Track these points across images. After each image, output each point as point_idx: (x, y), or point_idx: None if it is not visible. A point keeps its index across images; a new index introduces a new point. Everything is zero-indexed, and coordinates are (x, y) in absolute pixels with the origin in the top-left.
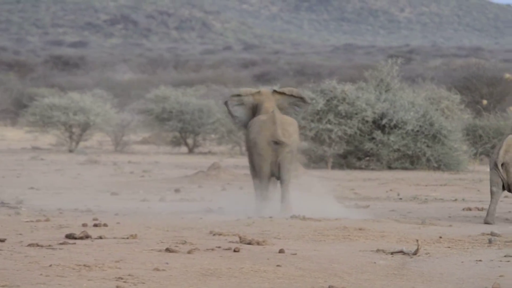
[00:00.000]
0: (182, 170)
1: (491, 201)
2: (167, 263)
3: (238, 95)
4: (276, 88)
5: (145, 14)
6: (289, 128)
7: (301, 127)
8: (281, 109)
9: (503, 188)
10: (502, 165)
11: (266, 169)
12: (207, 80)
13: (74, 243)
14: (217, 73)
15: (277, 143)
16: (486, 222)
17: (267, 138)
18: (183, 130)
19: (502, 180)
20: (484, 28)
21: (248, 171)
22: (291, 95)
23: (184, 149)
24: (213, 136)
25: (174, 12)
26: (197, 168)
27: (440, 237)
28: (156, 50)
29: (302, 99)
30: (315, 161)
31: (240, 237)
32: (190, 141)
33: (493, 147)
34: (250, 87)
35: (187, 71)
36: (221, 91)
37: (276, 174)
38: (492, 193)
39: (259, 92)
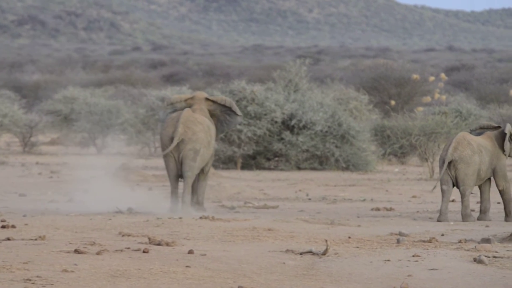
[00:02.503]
0: (91, 171)
1: (442, 200)
2: (75, 265)
3: (171, 104)
4: (208, 95)
5: (53, 14)
6: (194, 126)
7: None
8: (213, 115)
9: (453, 185)
10: (450, 162)
11: (171, 167)
12: (116, 81)
13: None
14: (125, 74)
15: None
16: (439, 221)
17: (170, 135)
18: (91, 131)
19: (451, 177)
20: (392, 29)
21: (156, 172)
22: (223, 105)
23: (92, 150)
24: (122, 137)
25: (82, 13)
26: (105, 169)
27: (349, 237)
28: (64, 50)
29: (230, 109)
30: (224, 161)
31: (149, 238)
32: (99, 141)
33: (401, 147)
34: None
35: (95, 71)
36: (129, 92)
37: (181, 172)
38: (442, 191)
39: (192, 98)
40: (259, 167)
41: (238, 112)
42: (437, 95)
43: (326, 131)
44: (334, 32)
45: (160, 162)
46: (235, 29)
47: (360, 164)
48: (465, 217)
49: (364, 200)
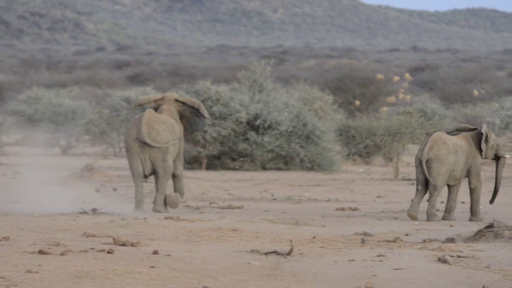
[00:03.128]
0: (55, 172)
1: (415, 195)
2: (40, 265)
3: (139, 104)
4: (178, 96)
5: (16, 14)
6: (157, 126)
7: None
8: (183, 116)
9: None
10: (426, 161)
11: (135, 166)
12: (80, 81)
13: None
14: (90, 74)
15: (141, 140)
16: (408, 212)
17: (133, 136)
18: (56, 132)
19: (425, 177)
20: (356, 29)
21: (120, 172)
22: (192, 106)
23: (57, 150)
24: (86, 137)
25: (46, 13)
26: (70, 170)
27: (314, 237)
28: (28, 51)
29: (198, 111)
30: (189, 162)
31: (114, 239)
32: (63, 142)
33: (365, 147)
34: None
35: (59, 72)
36: (94, 92)
37: (146, 173)
38: (417, 190)
39: (162, 98)
40: (224, 167)
41: (206, 114)
42: (401, 95)
43: (291, 131)
44: (299, 32)
45: (125, 162)
46: (199, 29)
47: (325, 164)
48: (430, 216)
49: (329, 200)
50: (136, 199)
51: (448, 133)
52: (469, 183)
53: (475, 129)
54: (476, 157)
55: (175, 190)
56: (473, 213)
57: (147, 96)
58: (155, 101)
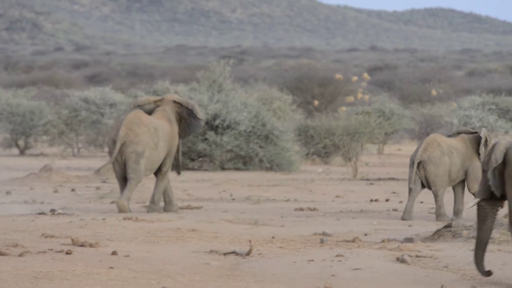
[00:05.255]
0: (13, 172)
1: (408, 198)
2: None
3: (139, 105)
4: (177, 97)
5: None
6: (137, 128)
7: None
8: (182, 118)
9: (422, 186)
10: (419, 163)
11: (116, 169)
12: (39, 82)
13: None
14: (48, 74)
15: (114, 142)
16: (403, 219)
17: (113, 137)
18: (14, 132)
19: (420, 177)
20: (315, 29)
21: (79, 173)
22: (186, 107)
23: (15, 151)
24: (44, 137)
25: (4, 13)
26: (28, 170)
27: (273, 238)
28: None
29: (191, 112)
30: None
31: (72, 239)
32: (21, 143)
33: (324, 147)
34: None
35: (17, 72)
36: (52, 93)
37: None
38: (410, 190)
39: (161, 99)
40: (183, 167)
41: (200, 115)
42: (360, 95)
43: (250, 131)
44: (257, 32)
45: (83, 162)
46: (158, 29)
47: (284, 164)
48: (438, 216)
49: (288, 200)
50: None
51: (448, 136)
52: (469, 189)
53: (476, 132)
54: (473, 160)
55: (157, 188)
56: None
57: (146, 97)
58: (154, 102)
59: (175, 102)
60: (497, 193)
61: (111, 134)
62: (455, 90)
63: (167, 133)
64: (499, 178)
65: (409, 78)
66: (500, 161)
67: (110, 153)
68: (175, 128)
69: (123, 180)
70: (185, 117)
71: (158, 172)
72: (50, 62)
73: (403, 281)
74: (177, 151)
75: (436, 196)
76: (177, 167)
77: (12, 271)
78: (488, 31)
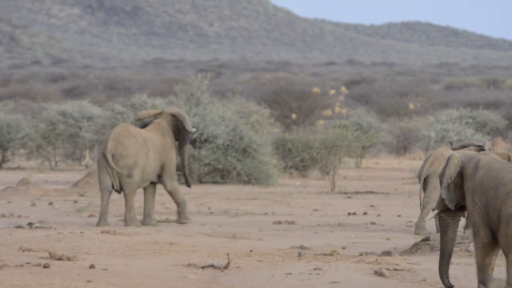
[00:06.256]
0: None
1: (420, 213)
2: None
3: (139, 119)
4: (176, 110)
5: None
6: (125, 140)
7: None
8: (180, 130)
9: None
10: (426, 178)
11: (102, 179)
12: (16, 95)
13: None
14: (25, 88)
15: (104, 156)
16: (416, 234)
17: (101, 151)
18: None
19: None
20: (292, 43)
21: (57, 186)
22: (178, 118)
23: None
24: (22, 151)
25: None
26: (6, 184)
27: (251, 251)
28: None
29: (181, 123)
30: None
31: (50, 253)
32: None
33: (302, 160)
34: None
35: None
36: (29, 106)
37: (116, 187)
38: (421, 205)
39: (160, 113)
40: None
41: (188, 127)
42: (337, 109)
43: (228, 145)
44: (235, 46)
45: (61, 176)
46: (135, 42)
47: (262, 178)
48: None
49: (266, 213)
50: (100, 213)
51: (453, 149)
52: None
53: (480, 146)
54: None
55: (177, 205)
56: None
57: (146, 110)
58: (154, 115)
59: (171, 115)
60: (451, 206)
61: (100, 147)
62: (433, 104)
63: (157, 145)
64: (454, 191)
65: (387, 91)
66: (454, 175)
67: (101, 166)
68: (168, 140)
69: (106, 190)
70: (180, 129)
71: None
72: (27, 75)
73: None
74: (183, 164)
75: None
76: (186, 181)
77: None
78: (465, 45)
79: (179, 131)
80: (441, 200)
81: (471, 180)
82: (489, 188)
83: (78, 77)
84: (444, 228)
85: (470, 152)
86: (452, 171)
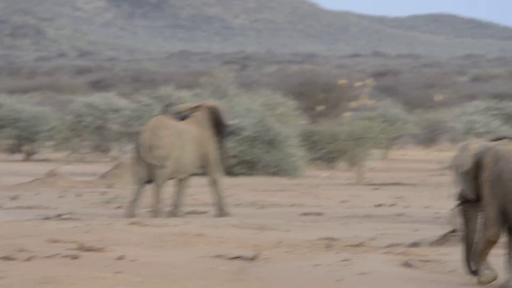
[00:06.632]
0: (19, 178)
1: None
2: (5, 271)
3: (178, 112)
4: (215, 103)
5: None
6: (160, 132)
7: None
8: (218, 123)
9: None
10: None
11: (137, 170)
12: (42, 87)
13: None
14: (52, 80)
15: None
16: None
17: (138, 142)
18: (18, 138)
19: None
20: (318, 35)
21: (84, 178)
22: (216, 112)
23: (20, 156)
24: (49, 143)
25: (7, 19)
26: (33, 176)
27: (279, 242)
28: None
29: (219, 116)
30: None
31: (78, 244)
32: (26, 148)
33: (329, 152)
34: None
35: (21, 78)
36: (56, 98)
37: (149, 179)
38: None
39: (199, 106)
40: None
41: (224, 120)
42: (364, 100)
43: (254, 137)
44: (261, 38)
45: (88, 168)
46: (161, 35)
47: (289, 169)
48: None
49: (293, 205)
50: (130, 201)
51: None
52: None
53: None
54: None
55: (216, 197)
56: None
57: (185, 104)
58: (192, 108)
59: (209, 108)
60: (470, 197)
61: (136, 139)
62: (459, 96)
63: (195, 137)
64: (472, 181)
65: (413, 83)
66: (471, 166)
67: (135, 157)
68: (207, 133)
69: (140, 182)
70: (219, 122)
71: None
72: (53, 68)
73: (409, 286)
74: (221, 158)
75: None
76: (226, 172)
77: (19, 276)
78: (491, 36)
79: (217, 124)
80: (461, 191)
81: (489, 170)
82: (508, 180)
83: (104, 69)
84: (466, 219)
85: (488, 142)
86: (469, 161)
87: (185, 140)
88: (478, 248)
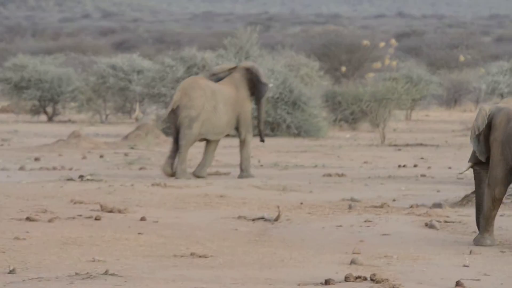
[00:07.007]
0: (42, 139)
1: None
2: (27, 232)
3: (213, 74)
4: (251, 64)
5: None
6: (192, 92)
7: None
8: (254, 83)
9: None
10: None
11: (172, 131)
12: (66, 48)
13: None
14: (75, 41)
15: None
16: None
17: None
18: (42, 99)
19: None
20: None
21: (107, 139)
22: (251, 71)
23: (43, 117)
24: (72, 104)
25: None
26: (57, 137)
27: (301, 203)
28: (14, 18)
29: (256, 76)
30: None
31: (101, 205)
32: (49, 109)
33: (352, 113)
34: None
35: (45, 39)
36: (80, 59)
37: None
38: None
39: (235, 67)
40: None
41: (262, 78)
42: (387, 61)
43: (278, 98)
44: None
45: (111, 129)
46: None
47: (312, 131)
48: None
49: (315, 166)
50: (166, 158)
51: None
52: None
53: None
54: None
55: (241, 158)
56: None
57: (221, 65)
58: (229, 70)
59: (246, 68)
60: (482, 158)
61: (171, 99)
62: (483, 56)
63: (229, 97)
64: (484, 143)
65: (437, 44)
66: (482, 127)
67: (169, 117)
68: (243, 93)
69: (174, 141)
70: (255, 82)
71: (239, 140)
72: (77, 29)
73: (431, 247)
74: (258, 118)
75: None
76: (260, 135)
77: (41, 236)
78: None
79: (254, 84)
80: (473, 152)
81: (500, 130)
82: None
83: (128, 30)
84: (478, 181)
85: (502, 104)
86: (480, 122)
87: (218, 101)
88: (485, 211)
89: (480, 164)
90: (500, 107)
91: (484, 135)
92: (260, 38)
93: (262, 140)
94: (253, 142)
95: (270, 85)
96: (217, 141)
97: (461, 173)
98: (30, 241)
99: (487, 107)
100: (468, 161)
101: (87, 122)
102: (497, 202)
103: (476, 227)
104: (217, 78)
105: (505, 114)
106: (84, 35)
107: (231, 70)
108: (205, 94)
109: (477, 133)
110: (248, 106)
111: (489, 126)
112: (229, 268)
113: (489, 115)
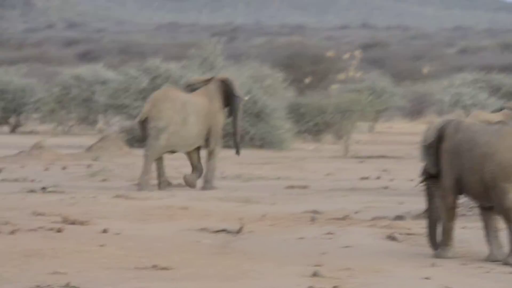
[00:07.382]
0: (4, 150)
1: None
2: None
3: (189, 85)
4: (226, 76)
5: None
6: (161, 104)
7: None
8: (229, 96)
9: None
10: None
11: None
12: (30, 59)
13: None
14: (39, 52)
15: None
16: None
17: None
18: (5, 110)
19: None
20: (306, 6)
21: (70, 151)
22: (227, 85)
23: (6, 128)
24: (35, 115)
25: None
26: (19, 148)
27: (264, 215)
28: None
29: (231, 88)
30: (139, 140)
31: (63, 217)
32: (12, 120)
33: (315, 125)
34: (75, 65)
35: (9, 49)
36: (43, 70)
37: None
38: None
39: (210, 79)
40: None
41: (236, 92)
42: (351, 73)
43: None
44: (249, 10)
45: (75, 140)
46: (149, 6)
47: (275, 142)
48: None
49: (279, 178)
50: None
51: (492, 112)
52: None
53: None
54: None
55: (207, 169)
56: None
57: (196, 77)
58: (205, 81)
59: (221, 80)
60: (433, 171)
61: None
62: (447, 68)
63: (201, 108)
64: (434, 156)
65: (401, 55)
66: (431, 139)
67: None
68: (216, 105)
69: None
70: (230, 95)
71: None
72: (41, 39)
73: (394, 259)
74: (234, 131)
75: None
76: (236, 148)
77: (3, 248)
78: (480, 8)
79: (228, 96)
80: (423, 167)
81: (449, 141)
82: (465, 150)
83: (92, 41)
84: (429, 195)
85: (453, 116)
86: (431, 133)
87: (189, 112)
88: (442, 220)
89: (430, 178)
90: (450, 119)
91: (436, 148)
92: (224, 49)
93: (238, 153)
94: (222, 153)
95: (246, 98)
96: (198, 152)
97: (415, 187)
98: None
99: (438, 120)
100: (420, 175)
101: (50, 133)
102: (451, 212)
103: (427, 243)
104: (192, 89)
105: (454, 125)
106: (48, 45)
107: (206, 82)
108: (175, 106)
109: (425, 144)
110: (221, 118)
111: (440, 138)
112: (191, 280)
113: (439, 128)
